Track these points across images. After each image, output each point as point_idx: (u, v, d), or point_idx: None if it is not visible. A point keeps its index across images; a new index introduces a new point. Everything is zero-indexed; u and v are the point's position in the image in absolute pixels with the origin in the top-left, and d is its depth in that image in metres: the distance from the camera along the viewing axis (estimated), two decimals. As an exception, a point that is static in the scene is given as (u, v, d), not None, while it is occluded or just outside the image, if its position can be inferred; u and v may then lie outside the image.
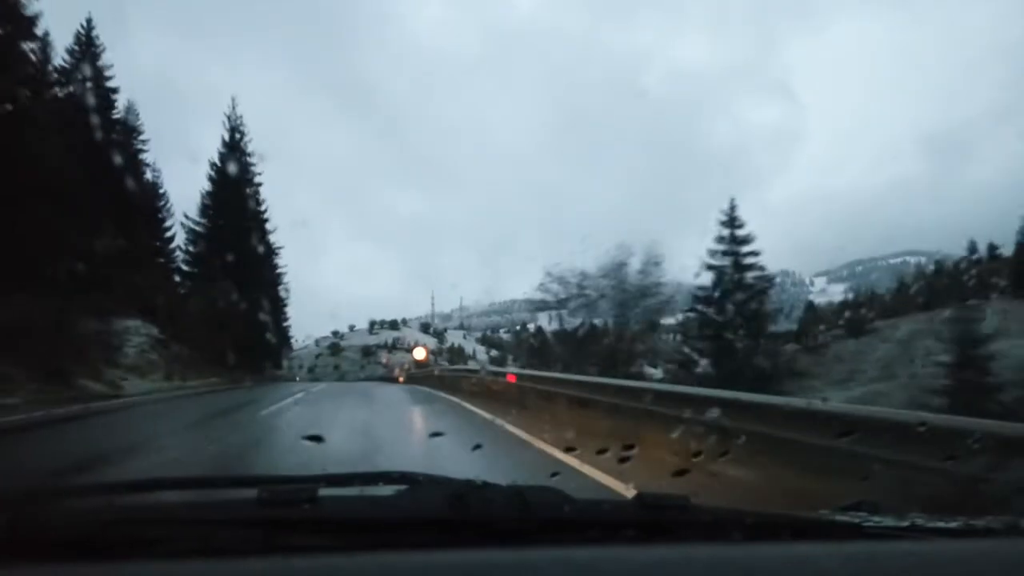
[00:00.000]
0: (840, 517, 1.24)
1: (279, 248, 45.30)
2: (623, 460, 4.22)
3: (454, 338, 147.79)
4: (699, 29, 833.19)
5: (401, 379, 39.03)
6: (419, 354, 47.30)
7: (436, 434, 8.45)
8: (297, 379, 58.30)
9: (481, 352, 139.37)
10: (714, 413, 4.78)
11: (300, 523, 1.01)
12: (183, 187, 72.15)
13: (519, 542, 1.00)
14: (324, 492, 1.05)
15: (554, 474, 2.62)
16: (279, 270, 45.67)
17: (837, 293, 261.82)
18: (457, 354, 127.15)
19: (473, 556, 0.94)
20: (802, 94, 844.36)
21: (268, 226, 43.33)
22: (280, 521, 1.00)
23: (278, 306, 45.56)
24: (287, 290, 49.22)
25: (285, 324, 49.44)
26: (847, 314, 51.06)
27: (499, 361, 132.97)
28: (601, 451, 4.00)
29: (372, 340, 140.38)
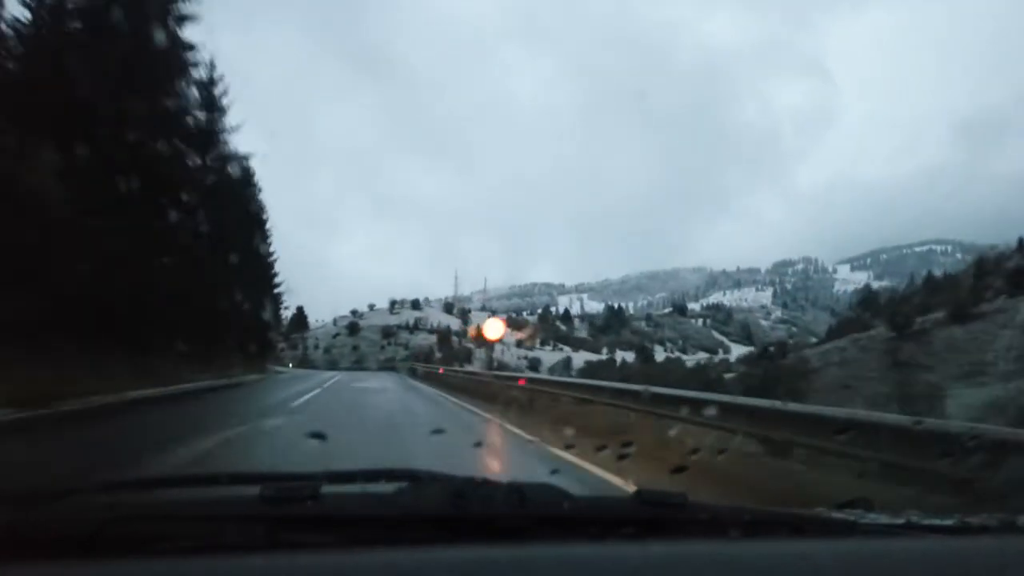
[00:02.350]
0: (836, 514, 1.27)
1: (250, 158, 28.94)
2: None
3: (478, 319, 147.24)
4: (731, 6, 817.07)
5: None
6: (493, 330, 28.32)
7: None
8: (290, 366, 42.07)
9: (508, 336, 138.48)
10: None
11: (302, 520, 1.03)
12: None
13: (518, 538, 1.02)
14: (326, 489, 1.07)
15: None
16: (259, 205, 32.72)
17: (861, 281, 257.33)
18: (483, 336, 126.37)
19: (473, 552, 0.96)
20: (833, 77, 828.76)
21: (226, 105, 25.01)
22: (283, 518, 1.02)
23: (264, 266, 33.74)
24: (282, 286, 37.88)
25: (277, 291, 38.75)
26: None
27: (527, 344, 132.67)
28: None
29: (393, 320, 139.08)
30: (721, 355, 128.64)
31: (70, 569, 0.89)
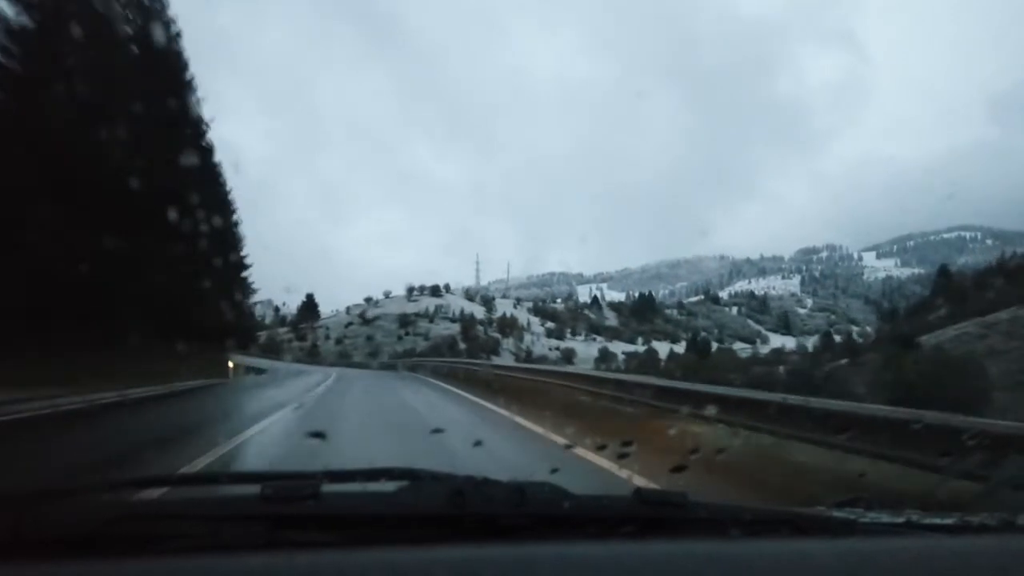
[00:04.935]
0: (837, 513, 1.25)
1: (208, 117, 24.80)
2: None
3: (503, 307, 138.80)
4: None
5: None
6: None
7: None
8: (231, 366, 27.90)
9: (536, 324, 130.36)
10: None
11: (303, 519, 1.02)
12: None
13: (518, 537, 1.01)
14: (326, 488, 1.05)
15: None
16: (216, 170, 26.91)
17: (888, 268, 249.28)
18: (510, 325, 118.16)
19: (473, 551, 0.94)
20: (864, 51, 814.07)
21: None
22: (283, 517, 1.01)
23: (228, 231, 26.76)
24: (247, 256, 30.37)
25: (245, 266, 31.30)
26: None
27: (556, 333, 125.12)
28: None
29: (411, 308, 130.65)
30: (760, 345, 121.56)
31: (70, 569, 0.88)
